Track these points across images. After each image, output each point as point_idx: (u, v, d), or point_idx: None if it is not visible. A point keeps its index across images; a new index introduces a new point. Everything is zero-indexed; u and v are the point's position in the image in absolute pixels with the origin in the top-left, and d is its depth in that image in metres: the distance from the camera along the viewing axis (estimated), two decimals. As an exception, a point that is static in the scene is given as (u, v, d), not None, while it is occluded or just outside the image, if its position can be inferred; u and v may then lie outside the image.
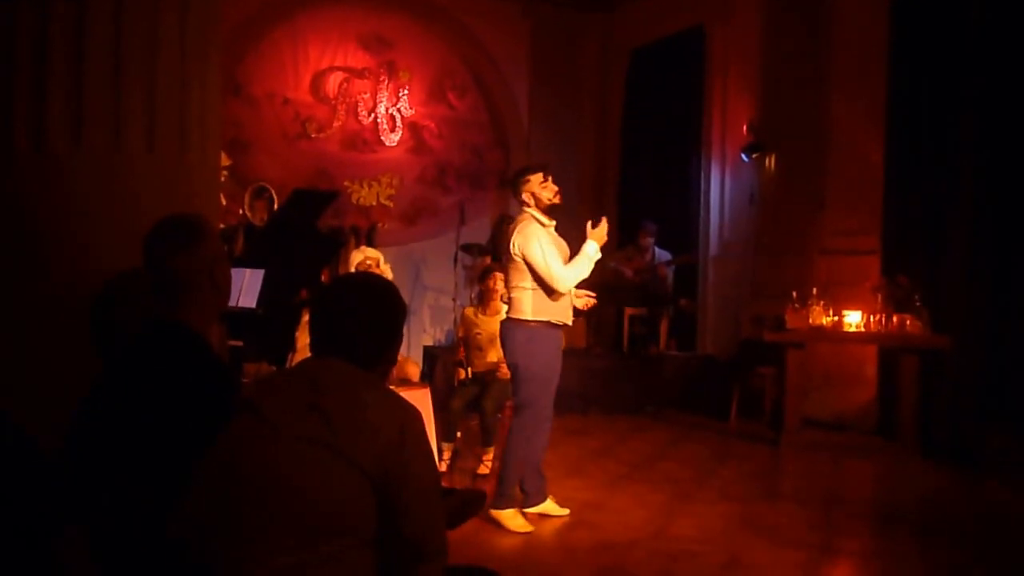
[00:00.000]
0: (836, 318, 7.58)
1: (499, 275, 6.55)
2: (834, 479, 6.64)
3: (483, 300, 6.68)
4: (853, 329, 7.52)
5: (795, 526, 5.24)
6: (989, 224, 7.28)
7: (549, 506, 5.38)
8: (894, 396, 7.62)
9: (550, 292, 5.07)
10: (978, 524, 5.50)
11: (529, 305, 5.09)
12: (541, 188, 5.17)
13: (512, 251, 5.15)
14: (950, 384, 7.35)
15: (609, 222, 5.31)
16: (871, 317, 7.46)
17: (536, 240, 5.06)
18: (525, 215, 5.21)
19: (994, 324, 7.23)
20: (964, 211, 7.41)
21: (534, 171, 5.24)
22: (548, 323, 5.12)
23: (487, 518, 5.09)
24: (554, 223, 5.28)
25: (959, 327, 7.22)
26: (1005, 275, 7.20)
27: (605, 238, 5.20)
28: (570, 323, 5.29)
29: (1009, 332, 7.17)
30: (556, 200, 5.19)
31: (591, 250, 5.11)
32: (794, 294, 7.66)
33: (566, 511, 5.39)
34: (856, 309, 7.55)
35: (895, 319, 7.34)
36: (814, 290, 7.69)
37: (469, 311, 6.74)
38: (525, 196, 5.22)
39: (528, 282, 5.09)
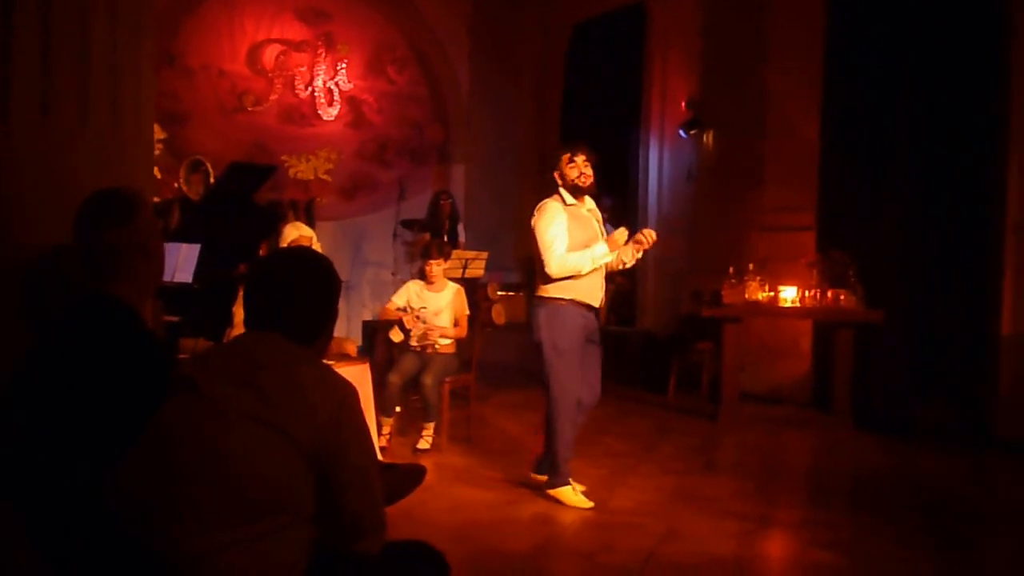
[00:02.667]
0: (772, 293, 7.68)
1: (437, 263, 6.56)
2: (770, 451, 6.76)
3: (425, 278, 6.64)
4: (789, 304, 7.63)
5: (732, 498, 5.33)
6: (922, 200, 7.43)
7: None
8: (829, 369, 7.77)
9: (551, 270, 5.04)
10: (910, 493, 5.63)
11: (552, 282, 5.08)
12: (567, 168, 5.16)
13: (533, 226, 5.17)
14: (883, 357, 7.51)
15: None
16: (806, 292, 7.58)
17: (549, 217, 5.07)
18: (554, 194, 5.22)
19: (926, 299, 7.39)
20: (898, 187, 7.56)
21: (563, 150, 5.23)
22: (573, 301, 5.08)
23: (546, 497, 5.16)
24: (587, 204, 5.25)
25: (892, 302, 7.37)
26: (937, 250, 7.35)
27: (620, 245, 5.11)
28: (597, 304, 5.21)
29: (940, 306, 7.34)
30: (580, 182, 5.13)
31: (599, 251, 5.01)
32: (731, 269, 7.75)
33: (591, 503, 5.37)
34: (792, 284, 7.66)
35: (830, 294, 7.46)
36: (751, 265, 7.79)
37: (414, 284, 6.68)
38: (555, 175, 5.22)
39: None
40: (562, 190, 5.20)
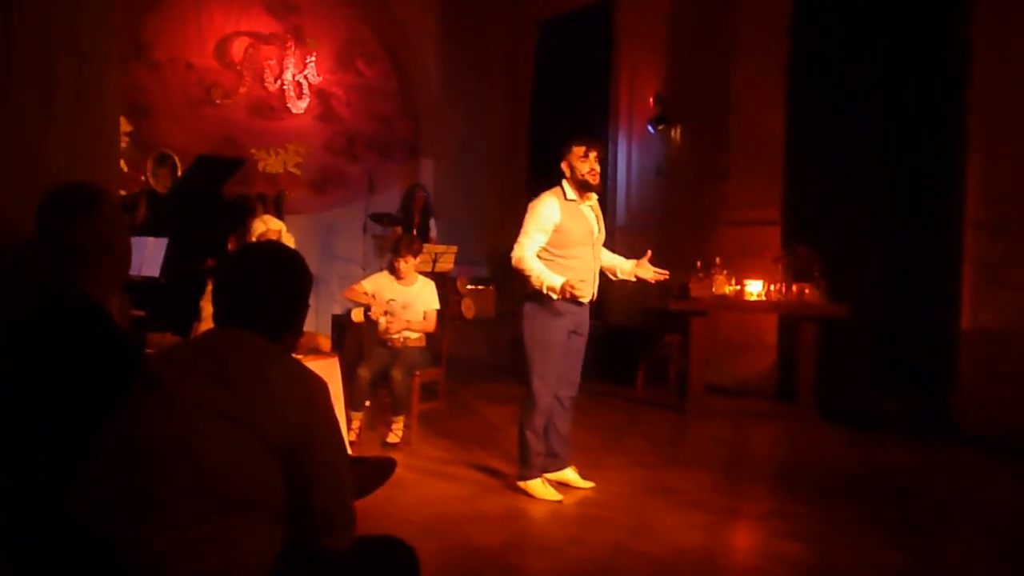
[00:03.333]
0: (739, 287, 7.76)
1: (405, 260, 6.54)
2: (737, 444, 6.83)
3: (395, 271, 6.64)
4: (755, 298, 7.71)
5: (699, 490, 5.39)
6: (886, 196, 7.53)
7: (570, 475, 5.45)
8: (794, 363, 7.86)
9: (559, 254, 5.06)
10: (873, 483, 5.72)
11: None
12: (579, 161, 5.12)
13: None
14: (847, 351, 7.61)
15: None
16: (772, 286, 7.67)
17: (540, 211, 5.05)
18: (556, 186, 5.20)
19: (889, 293, 7.49)
20: (861, 184, 7.65)
21: (578, 143, 5.17)
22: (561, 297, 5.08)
23: (515, 489, 5.20)
24: (589, 200, 5.23)
25: (856, 296, 7.47)
26: (900, 246, 7.45)
27: (569, 289, 4.92)
28: (586, 301, 5.19)
29: (903, 301, 7.44)
30: (590, 178, 5.11)
31: (551, 281, 4.90)
32: (698, 264, 7.81)
33: (590, 484, 5.43)
34: (758, 278, 7.74)
35: (795, 288, 7.56)
36: (717, 260, 7.86)
37: (386, 277, 6.67)
38: (564, 165, 5.20)
39: (543, 253, 5.08)
40: (566, 183, 5.18)
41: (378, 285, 6.61)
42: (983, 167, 7.01)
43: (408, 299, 6.54)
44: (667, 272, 5.39)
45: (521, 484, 5.22)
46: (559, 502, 5.09)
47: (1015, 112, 6.82)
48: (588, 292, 5.18)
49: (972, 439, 6.82)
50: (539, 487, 5.18)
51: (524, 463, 5.22)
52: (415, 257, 6.63)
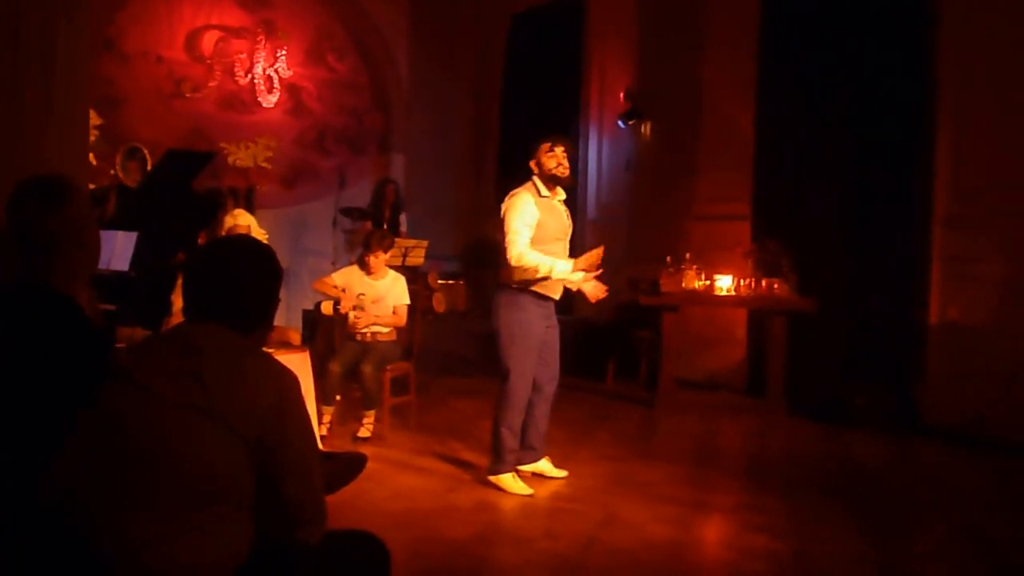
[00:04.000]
0: (709, 282, 7.80)
1: (379, 254, 6.53)
2: (706, 437, 6.88)
3: (365, 266, 6.63)
4: (725, 293, 7.75)
5: (669, 483, 5.42)
6: (855, 192, 7.59)
7: (544, 466, 5.50)
8: (763, 356, 7.93)
9: (536, 247, 5.06)
10: (841, 476, 5.79)
11: (515, 271, 5.10)
12: (546, 157, 5.20)
13: (501, 215, 5.19)
14: (816, 345, 7.67)
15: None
16: (742, 281, 7.71)
17: (519, 207, 5.08)
18: (527, 183, 5.24)
19: (858, 288, 7.56)
20: (830, 179, 7.71)
21: (543, 139, 5.26)
22: (532, 293, 5.13)
23: (486, 483, 5.22)
24: (559, 196, 5.31)
25: (825, 290, 7.53)
26: (869, 241, 7.53)
27: (585, 267, 5.04)
28: (556, 297, 5.27)
29: (872, 295, 7.51)
30: (559, 172, 5.18)
31: (560, 267, 4.99)
32: (668, 259, 7.85)
33: (563, 473, 5.51)
34: (728, 273, 7.78)
35: (764, 283, 7.61)
36: (687, 255, 7.90)
37: (356, 270, 6.64)
38: (532, 163, 5.26)
39: None
40: (536, 180, 5.23)
41: (348, 279, 6.59)
42: (951, 163, 7.09)
43: (378, 293, 6.53)
44: (606, 289, 5.40)
45: (492, 479, 5.23)
46: (530, 496, 5.10)
47: (982, 109, 6.90)
48: (558, 291, 5.27)
49: (939, 431, 6.90)
50: (510, 481, 5.19)
51: (496, 458, 5.23)
52: (386, 253, 6.62)
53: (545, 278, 5.05)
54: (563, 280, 5.11)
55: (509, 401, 5.17)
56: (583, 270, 5.06)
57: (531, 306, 5.14)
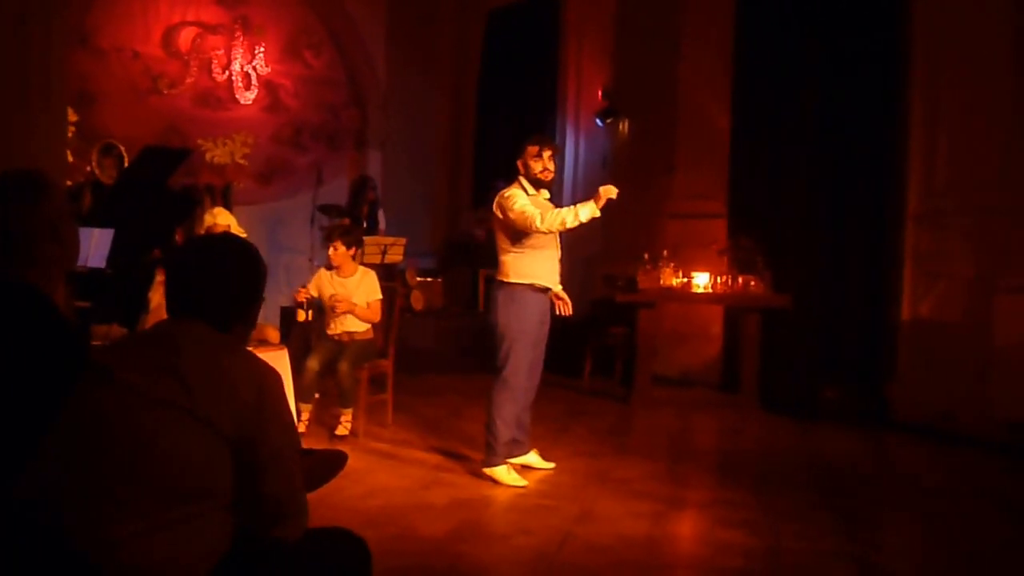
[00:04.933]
0: (685, 279, 7.85)
1: (337, 244, 6.52)
2: (681, 433, 6.94)
3: (331, 264, 6.61)
4: (701, 290, 7.81)
5: (644, 479, 5.47)
6: (828, 190, 7.67)
7: (532, 458, 5.62)
8: (738, 353, 8.00)
9: (528, 246, 5.20)
10: (814, 472, 5.85)
11: (511, 268, 5.26)
12: (533, 160, 5.30)
13: (496, 214, 5.31)
14: (790, 341, 7.75)
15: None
16: (718, 278, 7.77)
17: (517, 197, 5.19)
18: (514, 183, 5.35)
19: (832, 285, 7.64)
20: (804, 177, 7.77)
21: (531, 142, 5.34)
22: (531, 286, 5.26)
23: (481, 475, 5.30)
24: (545, 195, 5.41)
25: (799, 287, 7.61)
26: (843, 238, 7.61)
27: (603, 199, 5.04)
28: (556, 288, 5.43)
29: (845, 292, 7.60)
30: (543, 177, 5.31)
31: (584, 212, 5.00)
32: (645, 256, 7.90)
33: (551, 465, 5.64)
34: (704, 270, 7.84)
35: (740, 280, 7.67)
36: (664, 252, 7.95)
37: (325, 273, 6.64)
38: (519, 163, 5.35)
39: (512, 245, 5.26)
40: (523, 180, 5.34)
41: (318, 283, 6.60)
42: (922, 162, 7.19)
43: (348, 292, 6.51)
44: (570, 308, 5.54)
45: (487, 471, 5.31)
46: (524, 487, 5.18)
47: (952, 108, 6.99)
48: (555, 280, 5.43)
49: (909, 426, 7.01)
50: (504, 473, 5.27)
51: (491, 450, 5.31)
52: (348, 247, 6.57)
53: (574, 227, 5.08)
54: (592, 215, 5.05)
55: (505, 394, 5.28)
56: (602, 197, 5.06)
57: (530, 300, 5.28)
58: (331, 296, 6.48)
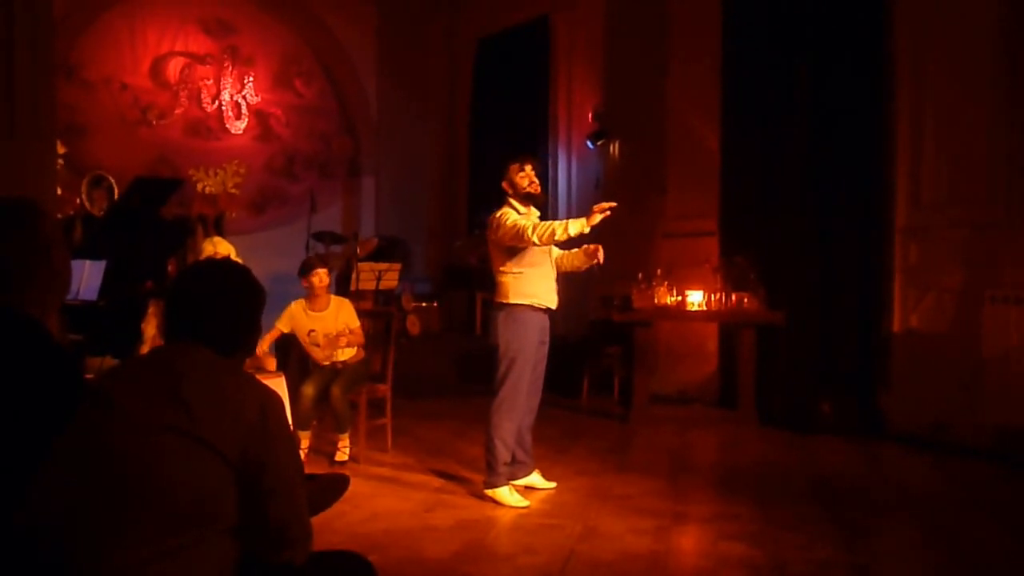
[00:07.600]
0: (680, 298, 7.90)
1: (321, 271, 6.49)
2: (680, 450, 6.96)
3: (310, 296, 6.50)
4: (696, 308, 7.87)
5: (645, 495, 5.50)
6: (818, 206, 7.72)
7: (534, 478, 5.65)
8: (734, 369, 8.04)
9: (525, 264, 5.28)
10: (812, 485, 5.88)
11: (510, 288, 5.31)
12: (518, 177, 5.39)
13: (489, 236, 5.40)
14: (784, 356, 7.79)
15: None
16: (712, 296, 7.82)
17: (507, 216, 5.27)
18: (504, 205, 5.41)
19: (824, 299, 7.68)
20: (795, 194, 7.83)
21: (512, 162, 5.43)
22: (529, 307, 5.31)
23: (483, 497, 5.34)
24: (535, 212, 5.46)
25: (792, 303, 7.65)
26: (834, 253, 7.66)
27: (596, 216, 5.08)
28: (554, 307, 5.47)
29: (837, 306, 7.64)
30: (531, 189, 5.38)
31: (574, 227, 5.04)
32: (640, 275, 7.94)
33: (552, 484, 5.66)
34: (698, 288, 7.90)
35: (734, 297, 7.72)
36: (658, 271, 8.00)
37: (297, 307, 6.48)
38: (505, 184, 5.43)
39: (508, 266, 5.32)
40: (512, 200, 5.40)
41: (293, 320, 6.45)
42: (909, 177, 7.28)
43: (327, 326, 6.40)
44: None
45: (489, 492, 5.33)
46: (526, 508, 5.20)
47: (938, 124, 7.09)
48: (554, 300, 5.47)
49: (904, 436, 7.06)
50: (506, 494, 5.29)
51: (491, 471, 5.34)
52: (327, 271, 6.59)
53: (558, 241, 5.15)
54: (580, 230, 5.08)
55: (503, 414, 5.32)
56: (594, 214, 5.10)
57: (531, 321, 5.32)
58: (310, 332, 6.41)
